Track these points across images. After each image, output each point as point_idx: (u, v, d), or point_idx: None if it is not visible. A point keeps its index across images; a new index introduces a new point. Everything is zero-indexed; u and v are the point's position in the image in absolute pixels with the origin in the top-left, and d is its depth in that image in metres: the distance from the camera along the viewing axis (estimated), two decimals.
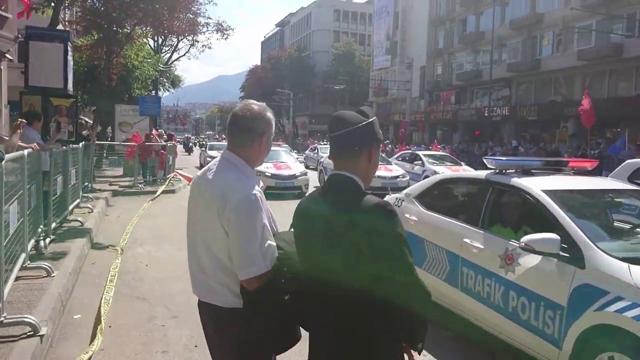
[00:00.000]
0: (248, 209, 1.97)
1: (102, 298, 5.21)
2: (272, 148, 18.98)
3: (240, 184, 2.04)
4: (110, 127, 23.69)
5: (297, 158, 17.08)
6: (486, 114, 33.47)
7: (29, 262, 5.45)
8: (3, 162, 3.62)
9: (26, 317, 3.93)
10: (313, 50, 73.36)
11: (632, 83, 26.65)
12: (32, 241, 5.96)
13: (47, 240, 6.80)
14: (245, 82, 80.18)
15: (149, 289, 5.91)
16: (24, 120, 5.59)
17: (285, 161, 16.01)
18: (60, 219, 7.97)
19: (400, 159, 19.87)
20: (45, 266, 5.50)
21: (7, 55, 19.10)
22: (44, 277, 5.42)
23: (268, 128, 2.19)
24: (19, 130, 5.17)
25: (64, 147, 8.54)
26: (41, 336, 3.86)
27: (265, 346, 2.10)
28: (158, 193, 14.01)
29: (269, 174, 14.65)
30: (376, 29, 56.45)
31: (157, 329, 4.69)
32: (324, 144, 30.90)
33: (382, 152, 23.97)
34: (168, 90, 43.26)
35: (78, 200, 9.84)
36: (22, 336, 3.82)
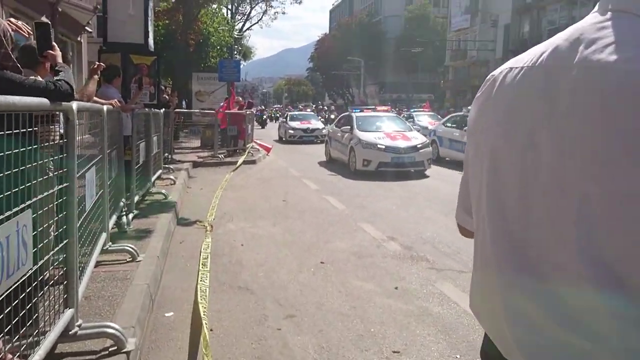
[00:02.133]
0: None
1: (197, 289, 4.15)
2: (377, 114, 15.98)
3: None
4: (185, 100, 23.21)
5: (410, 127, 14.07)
6: None
7: (110, 244, 4.47)
8: (74, 105, 2.46)
9: (107, 327, 2.80)
10: (384, 15, 70.26)
11: None
12: (114, 218, 5.00)
13: (130, 216, 5.86)
14: (314, 53, 78.38)
15: (251, 275, 4.80)
16: (102, 64, 4.49)
17: (401, 129, 12.95)
18: (143, 192, 7.07)
19: None
20: (129, 248, 4.51)
21: (87, 28, 18.80)
22: (128, 261, 4.44)
23: None
24: (95, 76, 4.09)
25: (147, 109, 7.58)
26: (127, 353, 2.77)
27: None
28: (239, 163, 13.13)
29: (383, 146, 11.69)
30: None
31: (273, 335, 3.54)
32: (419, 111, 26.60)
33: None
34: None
35: (160, 171, 8.99)
36: (102, 354, 2.76)
